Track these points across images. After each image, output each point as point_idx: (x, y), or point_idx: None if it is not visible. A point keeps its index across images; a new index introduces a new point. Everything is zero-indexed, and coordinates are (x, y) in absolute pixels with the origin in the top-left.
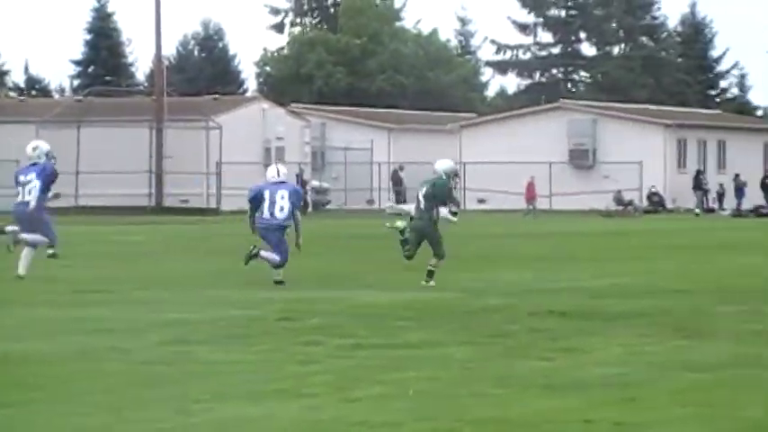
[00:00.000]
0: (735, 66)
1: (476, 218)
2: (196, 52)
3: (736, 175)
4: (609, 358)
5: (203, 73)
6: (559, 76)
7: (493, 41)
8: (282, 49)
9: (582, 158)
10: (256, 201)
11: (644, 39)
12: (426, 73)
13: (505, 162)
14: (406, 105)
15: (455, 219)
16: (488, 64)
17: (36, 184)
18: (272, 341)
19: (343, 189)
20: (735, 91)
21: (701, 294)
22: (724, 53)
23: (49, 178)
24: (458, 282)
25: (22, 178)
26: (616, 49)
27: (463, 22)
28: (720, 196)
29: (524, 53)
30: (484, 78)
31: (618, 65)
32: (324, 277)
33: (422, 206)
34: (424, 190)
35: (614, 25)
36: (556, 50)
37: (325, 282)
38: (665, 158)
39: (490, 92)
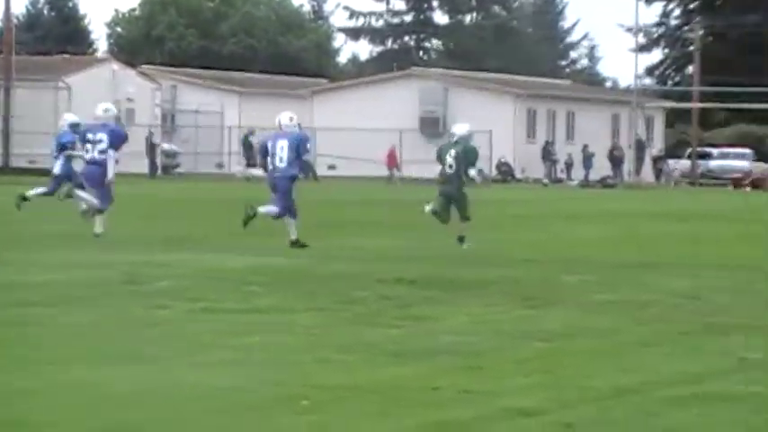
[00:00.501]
0: (585, 37)
1: (327, 184)
2: (46, 11)
3: (585, 146)
4: (457, 326)
5: (53, 32)
6: (412, 43)
7: (346, 8)
8: (134, 10)
9: (432, 126)
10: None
11: (496, 8)
12: (278, 37)
13: (357, 129)
14: (257, 69)
15: (480, 178)
16: (341, 30)
17: (105, 145)
18: (116, 304)
19: (194, 153)
20: (585, 62)
21: (549, 264)
22: (574, 24)
23: (119, 140)
24: (309, 248)
25: (90, 136)
26: (468, 18)
27: None
28: (569, 167)
29: (377, 20)
30: (336, 44)
31: (470, 34)
32: (173, 241)
33: (450, 170)
34: (454, 153)
35: None
36: (408, 18)
37: (174, 245)
38: (515, 128)
39: (342, 58)
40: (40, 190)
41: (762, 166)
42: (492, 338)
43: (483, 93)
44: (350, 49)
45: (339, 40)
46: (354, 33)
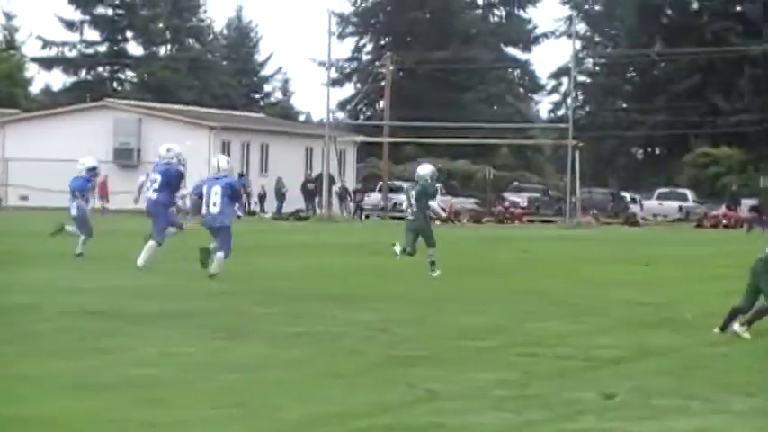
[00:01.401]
0: (279, 71)
1: (18, 214)
2: None
3: (278, 179)
4: (142, 359)
5: None
6: (105, 74)
7: (39, 37)
8: None
9: (127, 158)
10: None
11: (190, 41)
12: None
13: (50, 159)
14: None
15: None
16: (34, 60)
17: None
18: None
19: None
20: (278, 95)
21: (241, 296)
22: (268, 58)
23: (173, 179)
24: None
25: (153, 175)
26: (163, 50)
27: (8, 16)
28: (262, 199)
29: (70, 50)
30: (29, 74)
31: (164, 65)
32: None
33: (414, 208)
34: (414, 194)
35: (161, 26)
36: (102, 48)
37: None
38: (210, 160)
39: (35, 88)
40: (82, 239)
41: (450, 200)
42: (181, 371)
43: (178, 124)
44: (43, 79)
45: (32, 70)
46: (47, 63)
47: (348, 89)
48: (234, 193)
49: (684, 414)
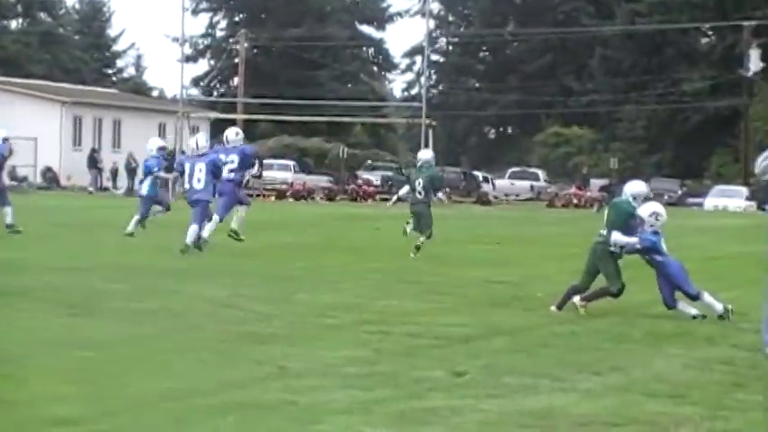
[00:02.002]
0: (131, 46)
1: None
2: None
3: (130, 154)
4: None
5: None
6: None
7: None
8: None
9: None
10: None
11: (42, 14)
12: None
13: None
14: None
15: (444, 199)
16: None
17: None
18: None
19: None
20: (131, 71)
21: (91, 272)
22: (121, 33)
23: (248, 158)
24: None
25: (222, 157)
26: (14, 24)
27: None
28: (114, 175)
29: None
30: None
31: (15, 39)
32: None
33: (420, 196)
34: (421, 182)
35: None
36: None
37: None
38: (61, 135)
39: None
40: (136, 218)
41: (303, 177)
42: (30, 346)
43: (29, 99)
44: None
45: None
46: None
47: (202, 65)
48: (217, 171)
49: (533, 392)
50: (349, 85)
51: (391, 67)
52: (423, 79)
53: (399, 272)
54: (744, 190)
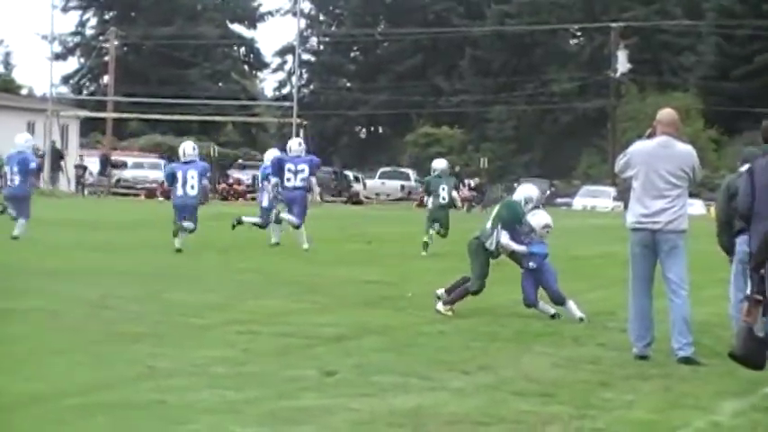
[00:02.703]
0: (0, 43)
1: None
2: None
3: None
4: None
5: None
6: None
7: None
8: None
9: None
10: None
11: None
12: None
13: None
14: None
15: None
16: None
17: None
18: None
19: None
20: (0, 68)
21: None
22: None
23: (315, 168)
24: None
25: (292, 166)
26: None
27: None
28: None
29: None
30: None
31: None
32: None
33: (443, 201)
34: (446, 188)
35: None
36: None
37: None
38: None
39: None
40: (255, 220)
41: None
42: None
43: None
44: None
45: None
46: None
47: (72, 63)
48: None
49: (403, 391)
50: (220, 84)
51: (262, 66)
52: (294, 78)
53: (271, 271)
54: (611, 190)
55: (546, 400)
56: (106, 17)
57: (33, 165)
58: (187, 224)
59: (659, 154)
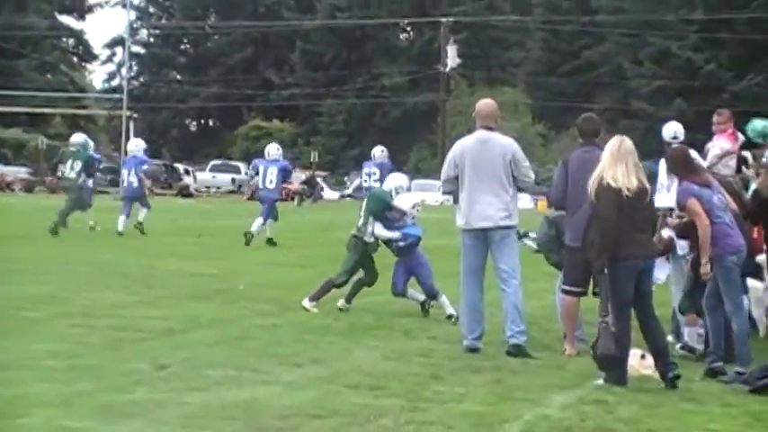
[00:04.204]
0: None
1: None
2: None
3: None
4: None
5: None
6: None
7: None
8: None
9: None
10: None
11: None
12: None
13: None
14: None
15: None
16: None
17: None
18: None
19: None
20: None
21: None
22: None
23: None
24: None
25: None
26: None
27: None
28: None
29: None
30: None
31: None
32: None
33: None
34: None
35: None
36: None
37: None
38: None
39: None
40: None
41: (2, 168)
42: None
43: None
44: None
45: None
46: None
47: None
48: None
49: (236, 385)
50: (48, 76)
51: (91, 57)
52: (124, 71)
53: (103, 264)
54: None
55: (378, 392)
56: None
57: None
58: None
59: (477, 149)
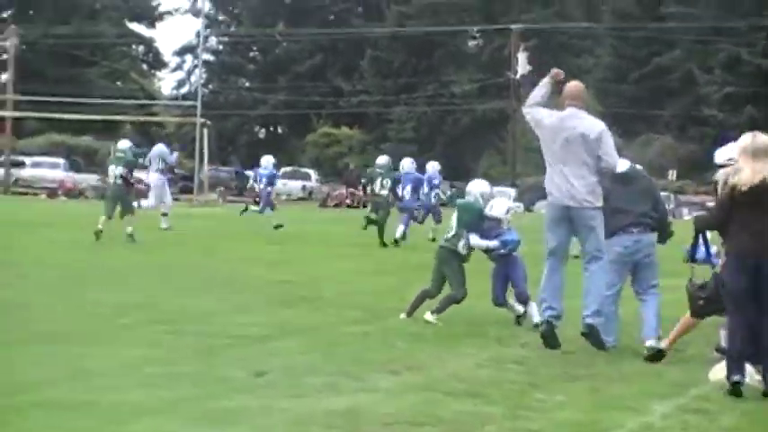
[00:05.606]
0: None
1: None
2: None
3: None
4: None
5: None
6: None
7: None
8: None
9: None
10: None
11: None
12: None
13: None
14: None
15: None
16: None
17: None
18: None
19: None
20: None
21: None
22: None
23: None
24: None
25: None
26: None
27: None
28: None
29: None
30: None
31: None
32: None
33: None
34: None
35: None
36: None
37: None
38: None
39: None
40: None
41: (74, 176)
42: None
43: None
44: None
45: None
46: None
47: None
48: (419, 185)
49: (334, 392)
50: (119, 83)
51: (161, 65)
52: (195, 77)
53: (187, 269)
54: (511, 191)
55: (477, 400)
56: (4, 15)
57: None
58: None
59: (565, 126)
